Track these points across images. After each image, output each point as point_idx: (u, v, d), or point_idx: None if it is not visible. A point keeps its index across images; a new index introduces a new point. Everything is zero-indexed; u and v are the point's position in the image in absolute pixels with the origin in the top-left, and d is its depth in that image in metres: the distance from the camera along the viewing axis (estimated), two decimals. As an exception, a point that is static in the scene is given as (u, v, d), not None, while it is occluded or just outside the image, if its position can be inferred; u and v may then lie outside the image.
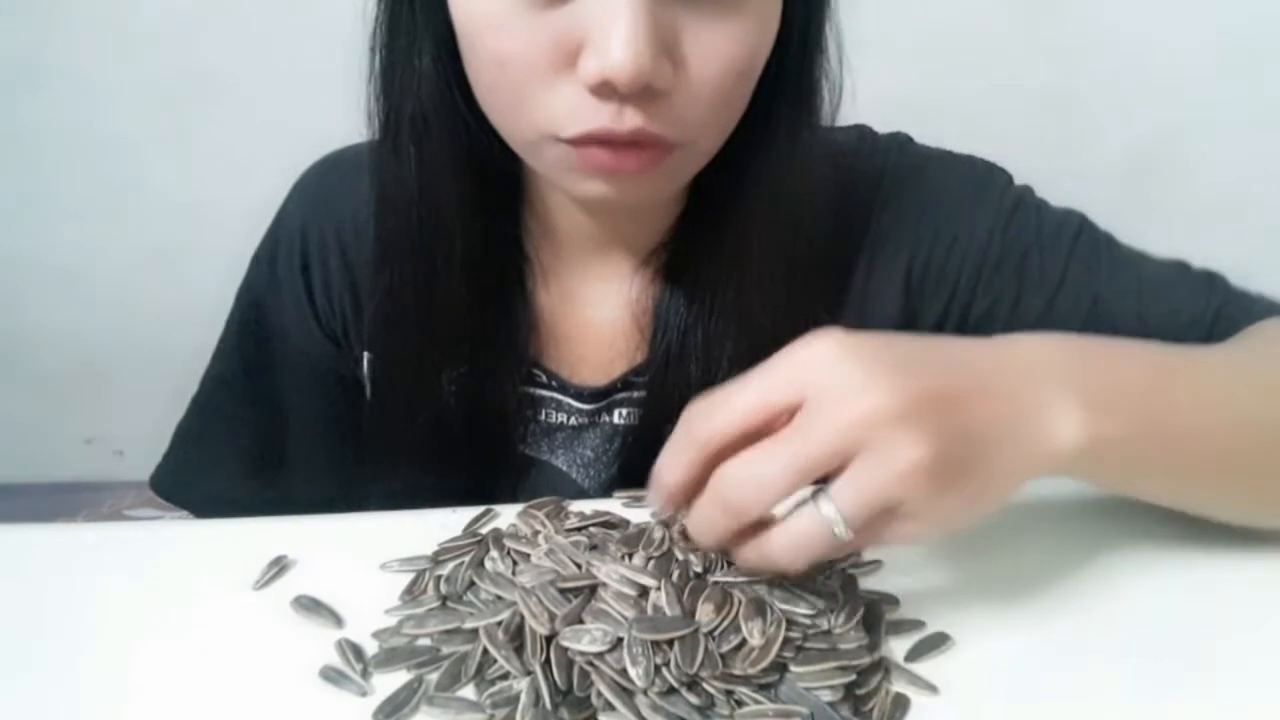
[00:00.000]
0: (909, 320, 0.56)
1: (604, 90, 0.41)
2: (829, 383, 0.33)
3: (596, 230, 0.55)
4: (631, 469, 0.55)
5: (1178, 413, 0.41)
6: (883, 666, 0.37)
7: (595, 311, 0.57)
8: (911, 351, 0.36)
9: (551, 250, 0.57)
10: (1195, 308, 0.53)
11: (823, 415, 0.33)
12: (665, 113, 0.43)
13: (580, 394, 0.58)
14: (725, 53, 0.43)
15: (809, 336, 0.35)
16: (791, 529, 0.34)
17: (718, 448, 0.35)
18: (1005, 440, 0.36)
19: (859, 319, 0.56)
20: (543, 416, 0.59)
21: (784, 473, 0.33)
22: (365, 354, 0.60)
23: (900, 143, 0.59)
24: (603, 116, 0.42)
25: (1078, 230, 0.56)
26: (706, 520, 0.36)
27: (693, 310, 0.53)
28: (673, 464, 0.36)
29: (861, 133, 0.60)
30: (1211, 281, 0.55)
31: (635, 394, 0.57)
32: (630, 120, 0.42)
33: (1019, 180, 0.59)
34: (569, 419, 0.58)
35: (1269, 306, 0.54)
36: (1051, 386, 0.37)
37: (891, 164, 0.57)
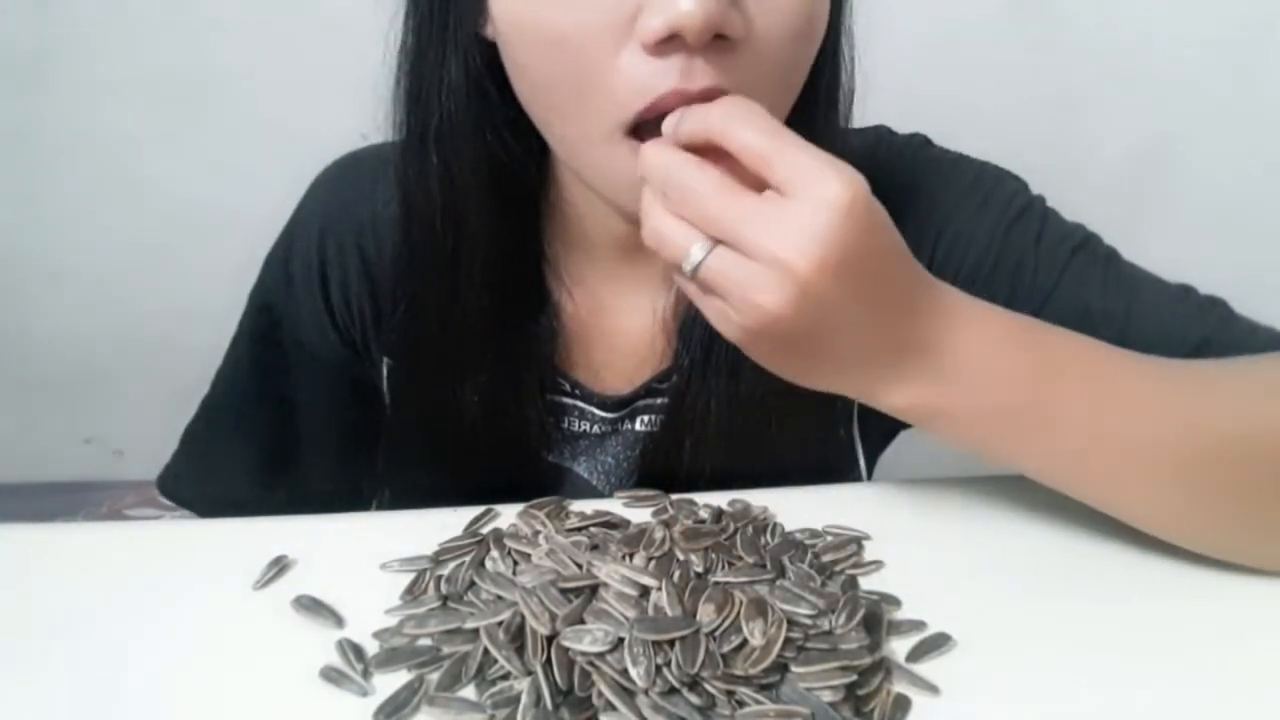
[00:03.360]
0: None
1: (668, 47, 0.39)
2: (802, 217, 0.35)
3: (624, 239, 0.54)
4: (653, 476, 0.55)
5: (1082, 405, 0.42)
6: (884, 667, 0.37)
7: (620, 320, 0.57)
8: (881, 272, 0.38)
9: (577, 259, 0.56)
10: (1180, 332, 0.51)
11: (770, 226, 0.36)
12: (735, 68, 0.40)
13: (603, 402, 0.57)
14: (791, 6, 0.42)
15: (840, 174, 0.36)
16: (669, 226, 0.38)
17: (719, 146, 0.38)
18: (836, 377, 0.41)
19: None
20: (565, 424, 0.58)
21: (703, 211, 0.37)
22: (385, 360, 0.60)
23: (918, 144, 0.59)
24: (671, 77, 0.40)
25: (1079, 244, 0.55)
26: (649, 168, 0.39)
27: None
28: (695, 115, 0.39)
29: (880, 133, 0.60)
30: (1211, 308, 0.53)
31: (658, 401, 0.57)
32: (701, 77, 0.40)
33: None
34: (591, 427, 0.58)
35: (1273, 338, 0.51)
36: (910, 356, 0.40)
37: (906, 162, 0.57)
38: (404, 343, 0.58)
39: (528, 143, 0.49)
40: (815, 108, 0.48)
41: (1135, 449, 0.42)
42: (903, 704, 0.36)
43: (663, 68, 0.40)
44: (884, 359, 0.40)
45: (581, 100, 0.42)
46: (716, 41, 0.39)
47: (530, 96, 0.46)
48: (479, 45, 0.47)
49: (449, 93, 0.48)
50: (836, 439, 0.59)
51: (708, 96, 0.40)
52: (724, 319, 0.39)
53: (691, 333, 0.54)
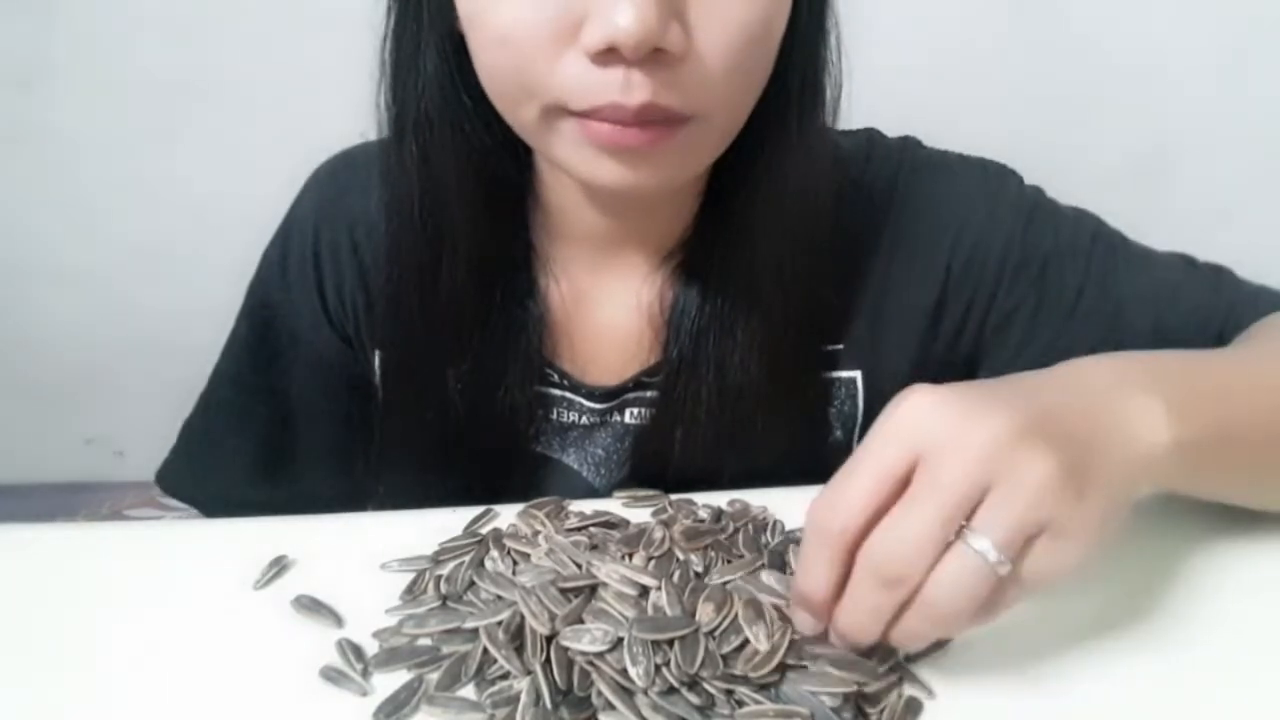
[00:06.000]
0: (936, 317, 0.57)
1: (609, 58, 0.40)
2: (938, 430, 0.33)
3: (610, 230, 0.54)
4: (643, 468, 0.55)
5: (1245, 414, 0.42)
6: (897, 668, 0.37)
7: (608, 312, 0.57)
8: (995, 390, 0.36)
9: (564, 250, 0.57)
10: (1208, 308, 0.54)
11: (945, 461, 0.33)
12: (675, 82, 0.41)
13: (592, 393, 0.58)
14: (737, 17, 0.41)
15: (895, 400, 0.35)
16: (946, 575, 0.33)
17: (855, 536, 0.34)
18: (1113, 444, 0.36)
19: (877, 319, 0.57)
20: (554, 415, 0.58)
21: (932, 525, 0.32)
22: (377, 352, 0.60)
23: (911, 144, 0.60)
24: (611, 90, 0.40)
25: (1094, 235, 0.56)
26: (866, 605, 0.34)
27: (706, 312, 0.53)
28: (814, 571, 0.35)
29: (871, 135, 0.60)
30: (1220, 277, 0.56)
31: (648, 394, 0.57)
32: (639, 92, 0.40)
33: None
34: (580, 418, 0.58)
35: (1272, 299, 0.55)
36: (1137, 394, 0.38)
37: (905, 161, 0.58)
38: (388, 331, 0.58)
39: (507, 135, 0.49)
40: (789, 105, 0.48)
41: None
42: (914, 707, 0.36)
43: (604, 78, 0.40)
44: (1121, 425, 0.38)
45: (526, 93, 0.43)
46: (658, 54, 0.40)
47: (485, 85, 0.46)
48: (452, 39, 0.47)
49: (425, 85, 0.48)
50: (830, 434, 0.59)
51: (645, 112, 0.41)
52: (1051, 557, 0.34)
53: (680, 326, 0.54)
